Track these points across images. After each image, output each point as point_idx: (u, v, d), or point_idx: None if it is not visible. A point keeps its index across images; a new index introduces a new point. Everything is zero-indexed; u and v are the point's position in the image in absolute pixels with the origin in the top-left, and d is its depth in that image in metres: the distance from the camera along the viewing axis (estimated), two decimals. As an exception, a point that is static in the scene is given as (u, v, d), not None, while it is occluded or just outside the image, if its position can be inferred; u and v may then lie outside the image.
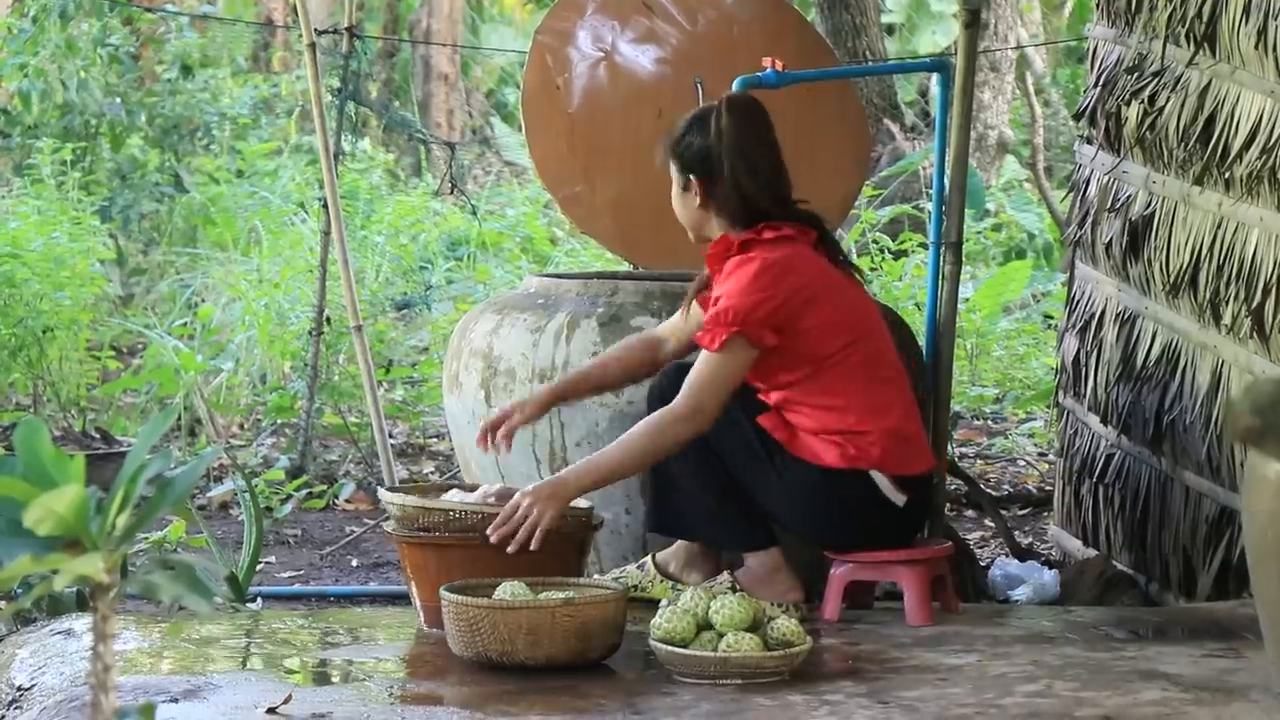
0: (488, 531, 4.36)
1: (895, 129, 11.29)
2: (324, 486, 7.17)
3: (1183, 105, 5.06)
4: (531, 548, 4.34)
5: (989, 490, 7.12)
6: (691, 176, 4.64)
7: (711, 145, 4.64)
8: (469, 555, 4.43)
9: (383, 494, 4.73)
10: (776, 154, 4.67)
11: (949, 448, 5.66)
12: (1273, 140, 4.65)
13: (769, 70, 5.21)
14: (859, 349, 4.58)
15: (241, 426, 8.32)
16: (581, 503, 4.64)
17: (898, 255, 9.59)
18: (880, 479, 4.55)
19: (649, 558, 4.75)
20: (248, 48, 16.19)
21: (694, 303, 4.77)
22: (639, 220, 5.60)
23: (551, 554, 4.45)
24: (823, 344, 4.54)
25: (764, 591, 4.52)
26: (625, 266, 5.79)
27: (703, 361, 4.50)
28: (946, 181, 5.31)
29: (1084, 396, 5.70)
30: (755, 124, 4.68)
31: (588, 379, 4.82)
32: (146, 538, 6.06)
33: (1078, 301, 5.81)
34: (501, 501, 4.56)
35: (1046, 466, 7.61)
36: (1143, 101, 5.26)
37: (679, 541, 4.74)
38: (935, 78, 5.54)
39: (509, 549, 4.34)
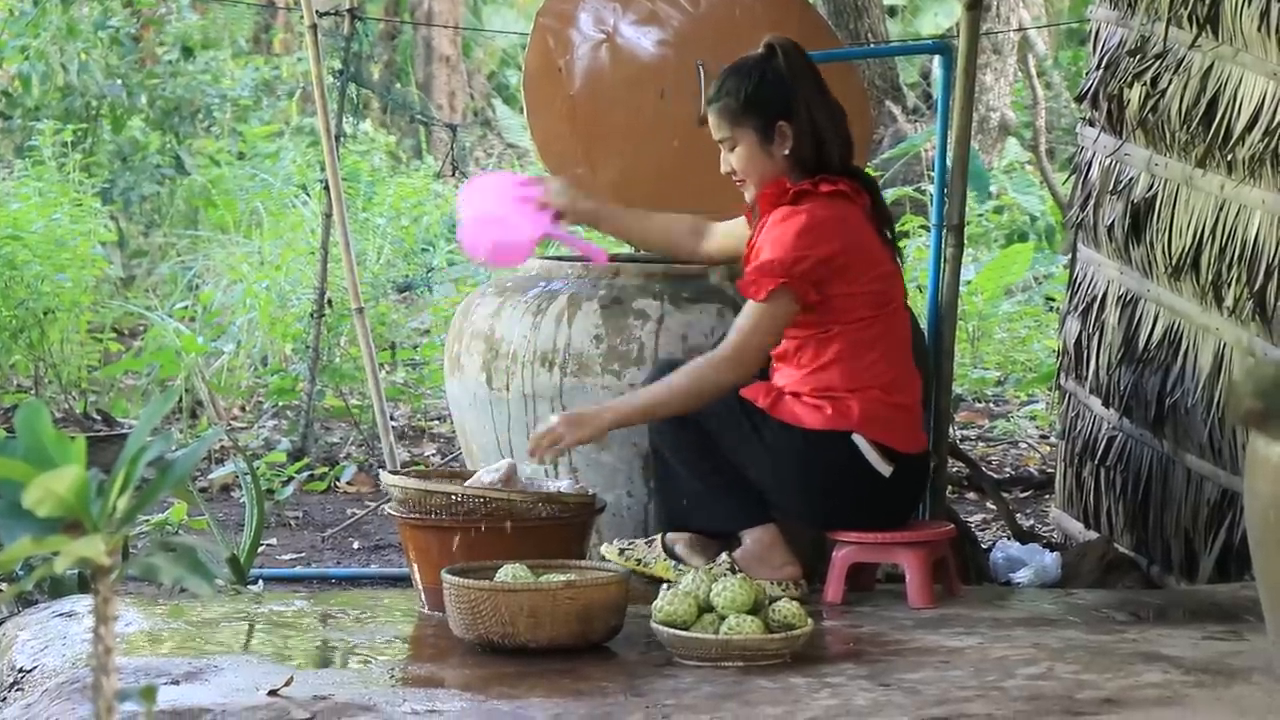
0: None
1: (897, 111, 11.28)
2: (325, 469, 7.17)
3: (1185, 87, 5.05)
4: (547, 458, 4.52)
5: (990, 473, 7.12)
6: (781, 122, 4.61)
7: (788, 84, 4.63)
8: (471, 538, 4.43)
9: (385, 477, 4.73)
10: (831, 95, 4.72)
11: (950, 430, 5.65)
12: (1275, 123, 4.65)
13: (771, 52, 5.19)
14: (873, 325, 4.59)
15: (243, 409, 8.32)
16: (585, 488, 4.65)
17: (899, 238, 9.58)
18: (862, 443, 4.55)
19: (659, 536, 4.75)
20: (249, 29, 16.17)
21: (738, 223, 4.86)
22: (640, 202, 5.59)
23: (553, 537, 4.45)
24: (843, 312, 4.55)
25: (760, 569, 4.52)
26: (626, 249, 5.78)
27: (747, 311, 4.53)
28: (948, 164, 5.30)
29: (1086, 379, 5.70)
30: (810, 61, 4.72)
31: (626, 216, 4.99)
32: (148, 520, 6.07)
33: (1079, 284, 5.81)
34: (507, 484, 4.57)
35: (1048, 449, 7.61)
36: (1145, 84, 5.25)
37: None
38: (937, 60, 5.53)
39: (532, 459, 4.47)
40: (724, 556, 4.56)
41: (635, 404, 4.55)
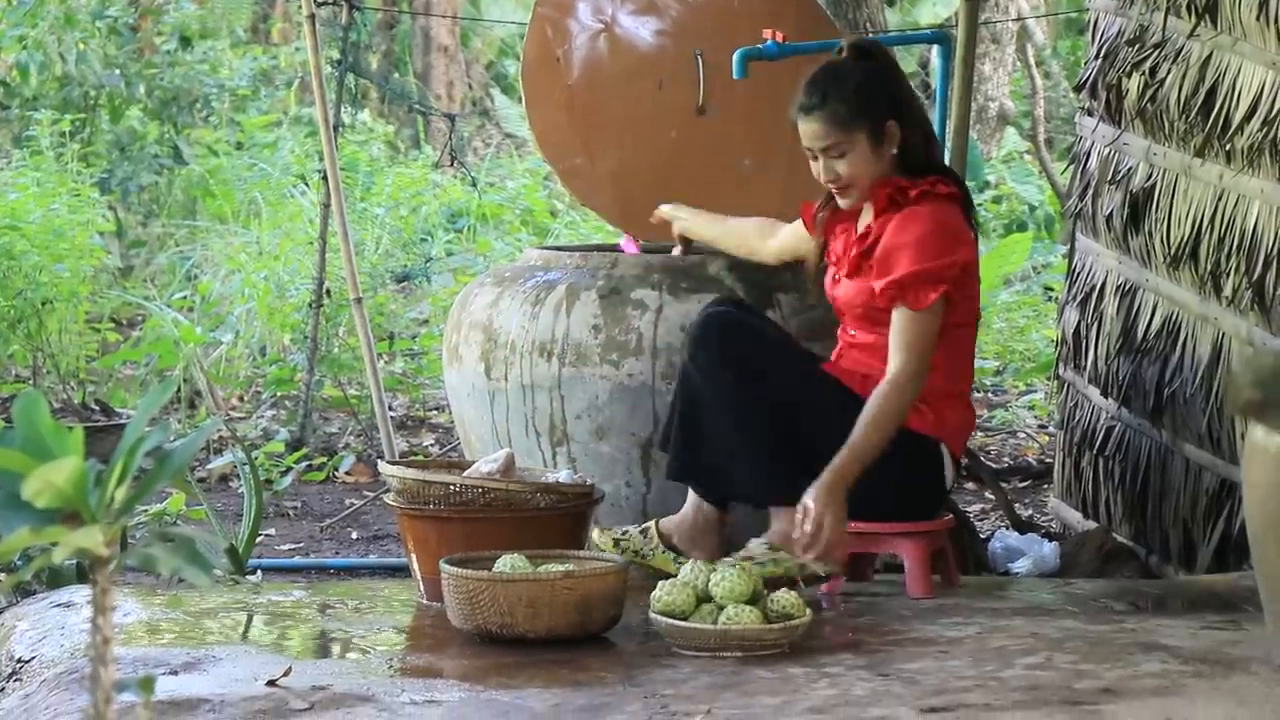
0: (806, 557, 4.36)
1: (896, 101, 11.27)
2: (324, 459, 7.17)
3: (1184, 77, 5.05)
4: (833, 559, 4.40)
5: (989, 463, 7.11)
6: (890, 121, 4.52)
7: (891, 82, 4.58)
8: (470, 528, 4.43)
9: (384, 467, 4.73)
10: None
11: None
12: (1274, 112, 4.64)
13: (769, 42, 5.20)
14: (966, 332, 4.60)
15: (241, 399, 8.32)
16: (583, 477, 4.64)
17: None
18: (945, 451, 4.56)
19: (652, 523, 4.67)
20: (247, 19, 16.15)
21: (798, 222, 4.81)
22: (639, 192, 5.59)
23: (552, 527, 4.45)
24: (954, 314, 4.52)
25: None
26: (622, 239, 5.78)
27: (911, 321, 4.43)
28: (947, 154, 5.30)
29: (1084, 369, 5.70)
30: (894, 58, 4.70)
31: (712, 225, 5.03)
32: (146, 510, 6.07)
33: (1078, 274, 5.80)
34: (506, 474, 4.56)
35: (1047, 439, 7.61)
36: (1144, 73, 5.25)
37: (684, 512, 4.66)
38: (936, 49, 5.53)
39: (816, 564, 4.36)
40: (758, 542, 4.47)
41: (855, 456, 4.38)
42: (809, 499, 4.35)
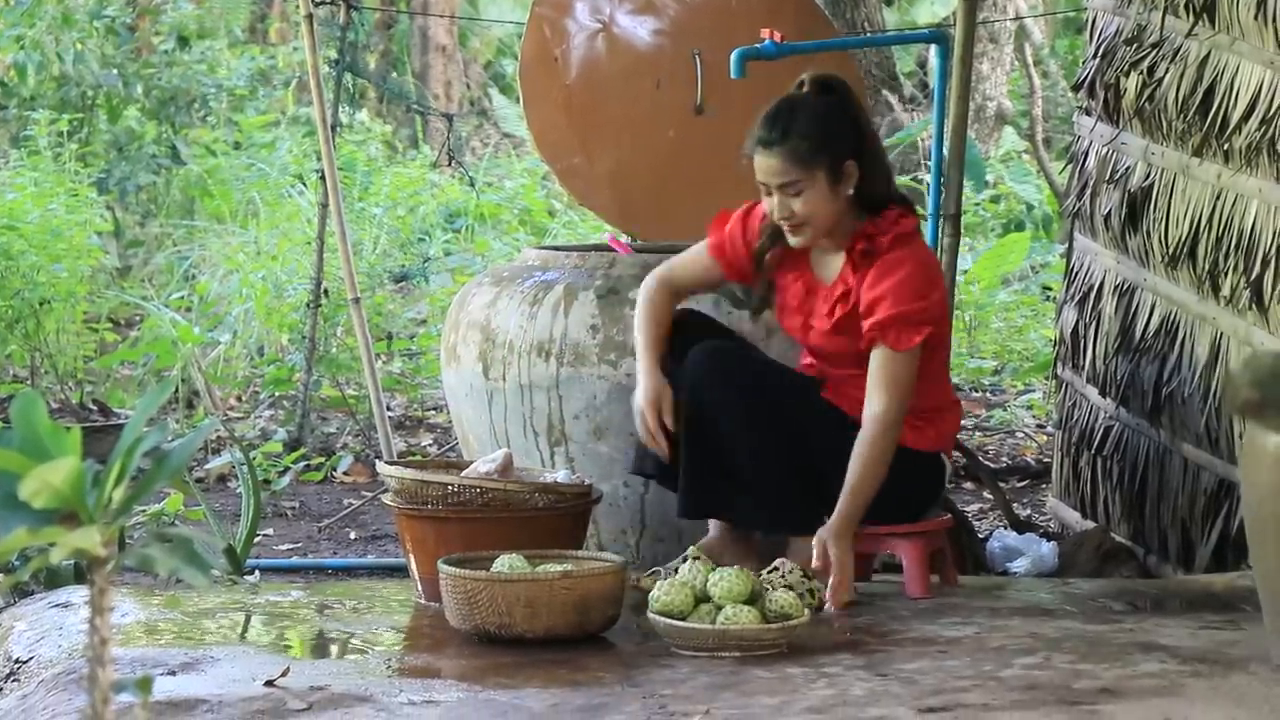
0: (832, 601, 4.33)
1: (894, 100, 11.27)
2: (322, 459, 7.17)
3: (1182, 76, 5.05)
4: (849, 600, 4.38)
5: (987, 462, 7.11)
6: (849, 161, 4.42)
7: (853, 121, 4.47)
8: (468, 528, 4.43)
9: (382, 467, 4.72)
10: None
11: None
12: (1272, 111, 4.64)
13: (767, 41, 5.20)
14: (945, 345, 4.61)
15: (239, 399, 8.31)
16: (581, 478, 4.63)
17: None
18: (945, 460, 4.62)
19: (693, 550, 4.43)
20: (245, 19, 16.14)
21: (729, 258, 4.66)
22: (637, 192, 5.59)
23: (550, 527, 4.45)
24: (934, 337, 4.51)
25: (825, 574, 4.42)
26: (623, 238, 5.78)
27: (892, 360, 4.40)
28: (945, 153, 5.30)
29: (1083, 368, 5.70)
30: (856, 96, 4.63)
31: (659, 344, 4.61)
32: (144, 510, 6.06)
33: (1076, 273, 5.80)
34: (504, 474, 4.56)
35: (1045, 438, 7.61)
36: (1142, 72, 5.25)
37: (717, 533, 4.60)
38: (934, 49, 5.53)
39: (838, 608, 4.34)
40: (790, 566, 4.44)
41: (859, 502, 4.39)
42: (829, 545, 4.36)
